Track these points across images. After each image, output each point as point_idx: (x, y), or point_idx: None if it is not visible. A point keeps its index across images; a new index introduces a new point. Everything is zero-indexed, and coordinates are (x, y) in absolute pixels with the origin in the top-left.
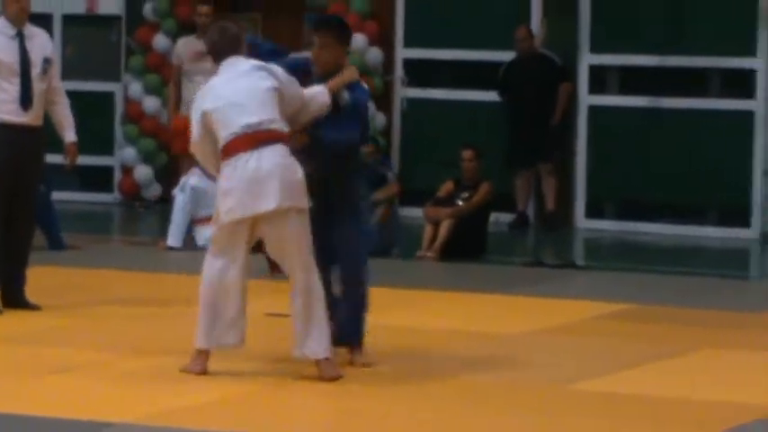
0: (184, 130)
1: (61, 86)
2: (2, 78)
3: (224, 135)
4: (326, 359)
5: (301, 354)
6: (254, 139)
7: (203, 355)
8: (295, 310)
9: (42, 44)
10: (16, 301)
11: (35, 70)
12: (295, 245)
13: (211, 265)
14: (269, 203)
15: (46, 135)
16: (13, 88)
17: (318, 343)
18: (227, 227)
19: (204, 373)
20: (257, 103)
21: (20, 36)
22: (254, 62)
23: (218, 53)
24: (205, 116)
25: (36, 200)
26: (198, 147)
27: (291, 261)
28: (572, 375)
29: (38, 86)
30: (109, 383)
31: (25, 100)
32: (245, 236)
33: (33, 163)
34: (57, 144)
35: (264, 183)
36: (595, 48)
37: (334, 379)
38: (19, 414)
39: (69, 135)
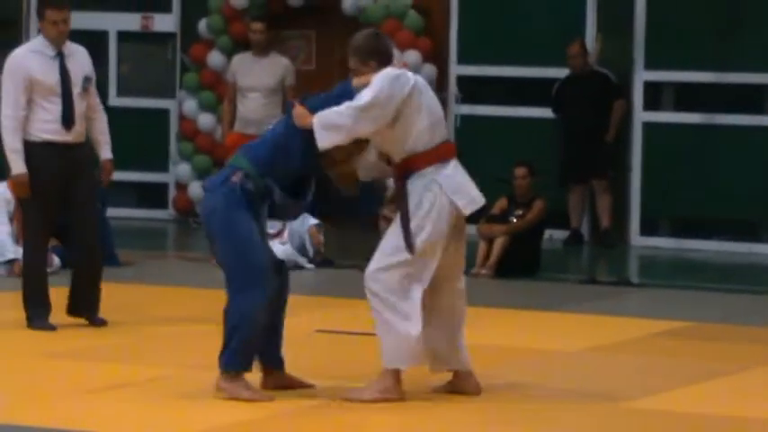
0: (236, 147)
1: (99, 103)
2: (43, 98)
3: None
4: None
5: (459, 364)
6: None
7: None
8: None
9: (82, 62)
10: (88, 316)
11: (76, 89)
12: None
13: None
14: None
15: (91, 152)
16: (54, 108)
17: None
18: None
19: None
20: None
21: (60, 56)
22: None
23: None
24: None
25: (96, 215)
26: None
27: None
28: (627, 393)
29: (79, 105)
30: (162, 400)
31: (67, 119)
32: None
33: (83, 179)
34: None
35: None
36: (650, 64)
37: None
38: (74, 430)
39: (105, 152)
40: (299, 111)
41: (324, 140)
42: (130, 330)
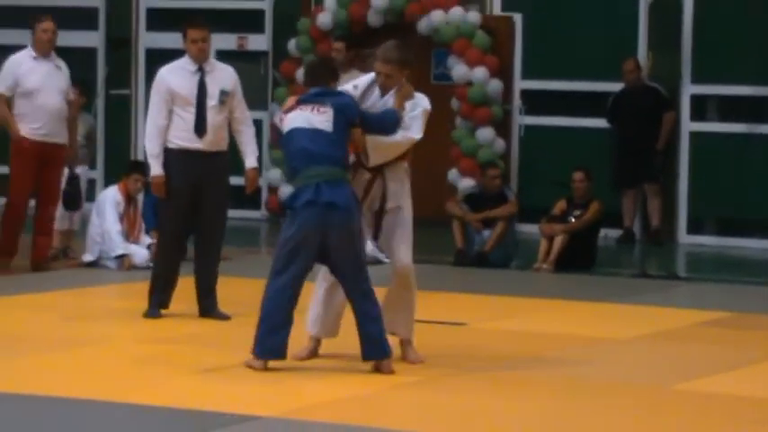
0: None
1: (246, 116)
2: (180, 108)
3: None
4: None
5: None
6: None
7: None
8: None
9: (222, 78)
10: (209, 311)
11: (211, 101)
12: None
13: None
14: None
15: (227, 161)
16: (189, 117)
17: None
18: None
19: None
20: None
21: (200, 71)
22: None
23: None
24: None
25: (224, 221)
26: None
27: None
28: (674, 377)
29: (214, 116)
30: (254, 381)
31: (200, 128)
32: None
33: (214, 186)
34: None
35: None
36: (696, 79)
37: (417, 362)
38: (174, 407)
39: (249, 161)
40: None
41: (377, 161)
42: (231, 319)
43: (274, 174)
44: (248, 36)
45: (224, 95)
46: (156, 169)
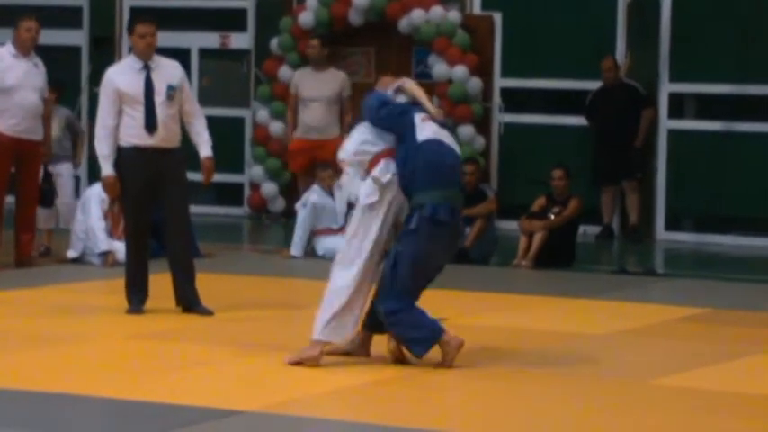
0: (299, 151)
1: (196, 108)
2: (129, 107)
3: None
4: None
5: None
6: None
7: None
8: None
9: (169, 73)
10: (190, 306)
11: (159, 98)
12: None
13: None
14: None
15: (183, 156)
16: (139, 115)
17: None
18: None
19: None
20: None
21: (146, 69)
22: None
23: None
24: None
25: (187, 213)
26: None
27: None
28: (652, 372)
29: (163, 112)
30: (237, 376)
31: (150, 124)
32: None
33: (171, 181)
34: (193, 162)
35: None
36: (674, 77)
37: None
38: (156, 402)
39: (204, 151)
40: None
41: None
42: (214, 315)
43: (256, 171)
44: (231, 35)
45: (171, 90)
46: (106, 169)
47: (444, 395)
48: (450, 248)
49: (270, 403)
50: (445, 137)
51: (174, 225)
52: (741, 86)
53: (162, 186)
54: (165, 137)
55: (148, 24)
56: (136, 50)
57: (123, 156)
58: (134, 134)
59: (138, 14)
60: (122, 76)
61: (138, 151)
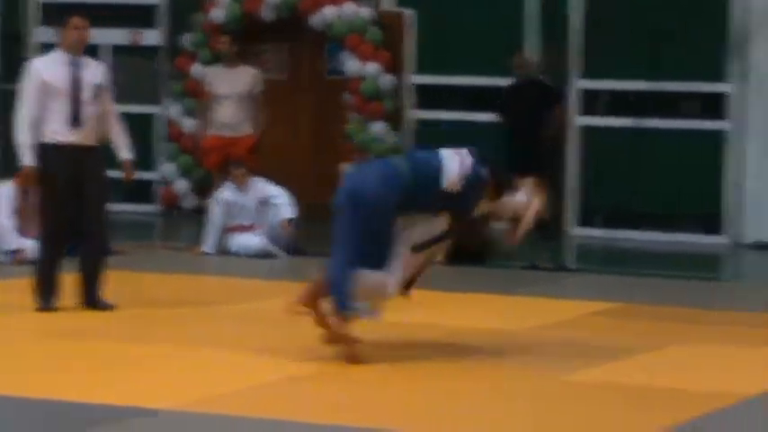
0: (212, 148)
1: (114, 110)
2: (53, 101)
3: None
4: None
5: None
6: None
7: None
8: None
9: (95, 72)
10: (94, 302)
11: (86, 94)
12: None
13: None
14: None
15: (101, 154)
16: (63, 109)
17: None
18: None
19: None
20: None
21: (74, 64)
22: None
23: None
24: None
25: (104, 212)
26: None
27: None
28: (565, 366)
29: (88, 109)
30: (155, 373)
31: (74, 120)
32: None
33: (90, 179)
34: (109, 160)
35: None
36: (586, 73)
37: None
38: (64, 400)
39: (124, 153)
40: None
41: None
42: (120, 312)
43: (168, 168)
44: (142, 31)
45: (98, 89)
46: (27, 159)
47: (358, 391)
48: None
49: (187, 401)
50: None
51: (89, 224)
52: (653, 83)
53: (81, 184)
54: (88, 134)
55: (83, 18)
56: (66, 43)
57: (44, 152)
58: (56, 129)
59: (50, 10)
60: (49, 68)
61: (59, 148)
